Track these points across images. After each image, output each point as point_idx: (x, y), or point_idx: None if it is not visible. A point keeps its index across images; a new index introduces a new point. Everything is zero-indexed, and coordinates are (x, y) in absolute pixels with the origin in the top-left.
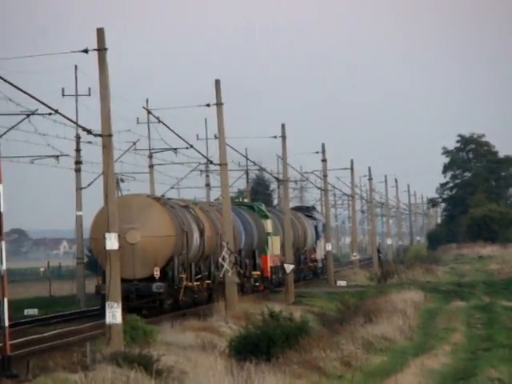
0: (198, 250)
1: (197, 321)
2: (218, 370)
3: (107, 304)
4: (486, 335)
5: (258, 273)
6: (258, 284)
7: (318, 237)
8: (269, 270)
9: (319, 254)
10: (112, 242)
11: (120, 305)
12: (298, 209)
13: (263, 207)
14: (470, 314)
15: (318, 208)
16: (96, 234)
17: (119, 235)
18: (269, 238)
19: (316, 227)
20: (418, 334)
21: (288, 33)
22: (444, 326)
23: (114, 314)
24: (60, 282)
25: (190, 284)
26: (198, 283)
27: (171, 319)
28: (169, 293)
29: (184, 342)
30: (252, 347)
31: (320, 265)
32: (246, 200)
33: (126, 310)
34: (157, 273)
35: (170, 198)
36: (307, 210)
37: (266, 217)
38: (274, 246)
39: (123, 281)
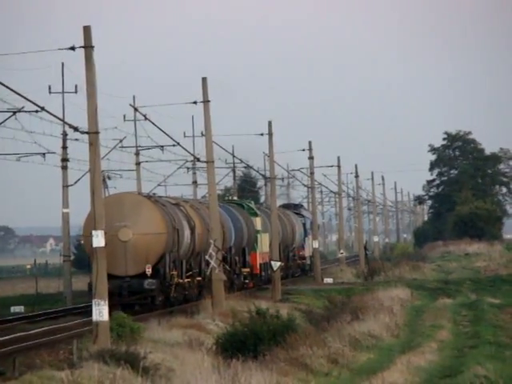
0: (189, 247)
1: (184, 318)
2: (204, 368)
3: (94, 301)
4: (472, 332)
5: (248, 270)
6: (247, 281)
7: (306, 234)
8: (258, 267)
9: (307, 251)
10: (99, 240)
11: (107, 302)
12: (286, 206)
13: (252, 205)
14: (456, 311)
15: (305, 205)
16: (88, 231)
17: (106, 233)
18: (258, 235)
19: (304, 225)
20: (404, 331)
21: (276, 30)
22: (431, 323)
23: (101, 311)
24: (47, 279)
25: (181, 281)
26: (189, 280)
27: (158, 317)
28: (160, 289)
29: (171, 339)
30: (239, 345)
31: (308, 262)
32: (235, 198)
33: (118, 306)
34: (148, 270)
35: (160, 196)
36: (295, 208)
37: (256, 214)
38: (264, 243)
39: (116, 277)
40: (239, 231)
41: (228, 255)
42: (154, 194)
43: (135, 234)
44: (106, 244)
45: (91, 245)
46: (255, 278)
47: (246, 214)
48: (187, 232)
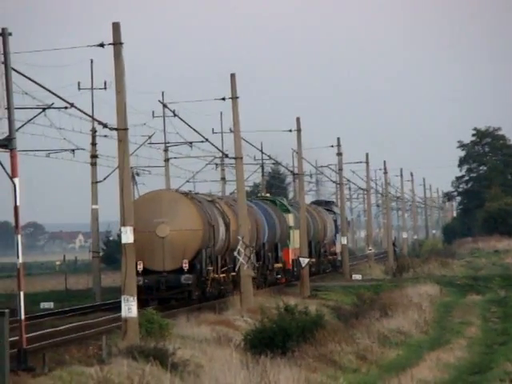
0: (224, 243)
1: (212, 314)
2: (233, 364)
3: (123, 298)
4: (501, 329)
5: (280, 265)
6: (279, 276)
7: (337, 231)
8: (290, 262)
9: (338, 248)
10: (127, 236)
11: (135, 298)
12: (318, 203)
13: (285, 201)
14: (485, 307)
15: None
16: None
17: (144, 229)
18: (291, 231)
19: (335, 221)
20: (433, 327)
21: (304, 26)
22: (459, 319)
23: (130, 307)
24: (76, 275)
25: (217, 276)
26: (224, 275)
27: (187, 313)
28: (196, 284)
29: (199, 335)
30: (267, 341)
31: (339, 258)
32: (267, 194)
33: (156, 300)
34: (185, 265)
35: (196, 193)
36: (327, 205)
37: (288, 211)
38: (296, 239)
39: (153, 272)
40: (272, 227)
41: (261, 251)
42: (190, 191)
43: (173, 230)
44: (144, 240)
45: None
46: (287, 273)
47: (278, 211)
48: (222, 228)
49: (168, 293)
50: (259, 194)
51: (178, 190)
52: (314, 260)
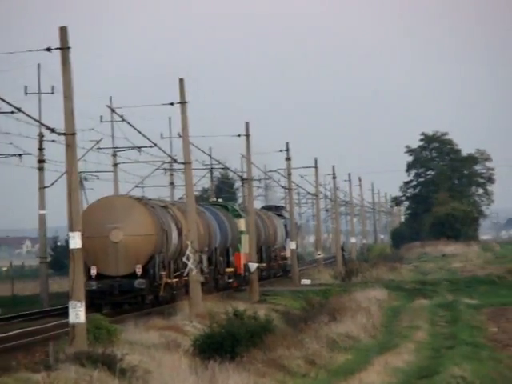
0: (177, 248)
1: (161, 320)
2: (182, 369)
3: (70, 303)
4: (449, 333)
5: (232, 270)
6: (231, 280)
7: (287, 235)
8: (242, 267)
9: (289, 252)
10: (75, 241)
11: (83, 304)
12: (268, 208)
13: (237, 207)
14: (433, 311)
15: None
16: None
17: (98, 235)
18: (242, 236)
19: (286, 226)
20: (381, 332)
21: (254, 31)
22: (408, 324)
23: (78, 313)
24: (23, 281)
25: (170, 280)
26: (177, 280)
27: (135, 318)
28: (150, 289)
29: (148, 341)
30: (216, 346)
31: (289, 262)
32: (219, 200)
33: (109, 305)
34: (139, 270)
35: (149, 199)
36: (277, 210)
37: (240, 216)
38: (247, 244)
39: (107, 277)
40: (224, 232)
41: (213, 255)
42: (143, 196)
43: (126, 235)
44: (98, 245)
45: (87, 246)
46: (239, 277)
47: (230, 216)
48: (175, 233)
49: (121, 297)
50: (211, 200)
51: (132, 195)
52: (264, 264)
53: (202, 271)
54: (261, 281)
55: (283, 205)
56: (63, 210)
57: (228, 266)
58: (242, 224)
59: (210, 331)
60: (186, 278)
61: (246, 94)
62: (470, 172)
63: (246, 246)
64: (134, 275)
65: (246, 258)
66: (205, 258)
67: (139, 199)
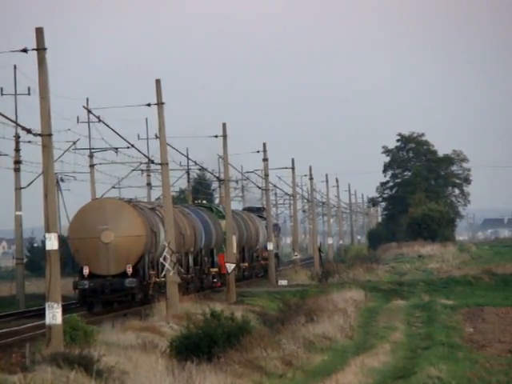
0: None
1: (138, 321)
2: (159, 370)
3: (47, 304)
4: (425, 334)
5: (216, 270)
6: (215, 280)
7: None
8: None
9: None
10: (52, 242)
11: (60, 305)
12: (250, 209)
13: (220, 208)
14: (409, 312)
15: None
16: (73, 234)
17: (89, 236)
18: (226, 237)
19: (267, 227)
20: (358, 332)
21: (231, 31)
22: (384, 324)
23: (54, 314)
24: None
25: (158, 280)
26: (165, 279)
27: (112, 319)
28: (140, 288)
29: (125, 342)
30: (193, 347)
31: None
32: (204, 201)
33: (100, 303)
34: (129, 269)
35: (138, 201)
36: (258, 211)
37: (224, 217)
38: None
39: (98, 277)
40: (208, 233)
41: (199, 256)
42: (131, 199)
43: (117, 236)
44: (89, 246)
45: (80, 247)
46: (223, 277)
47: (214, 217)
48: (163, 234)
49: (112, 296)
50: (196, 201)
51: (122, 198)
52: (247, 264)
53: (179, 272)
54: (243, 280)
55: (264, 206)
56: (40, 211)
57: (212, 266)
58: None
59: (187, 332)
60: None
61: (223, 94)
62: (446, 173)
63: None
64: (124, 274)
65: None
66: (191, 258)
67: (129, 201)
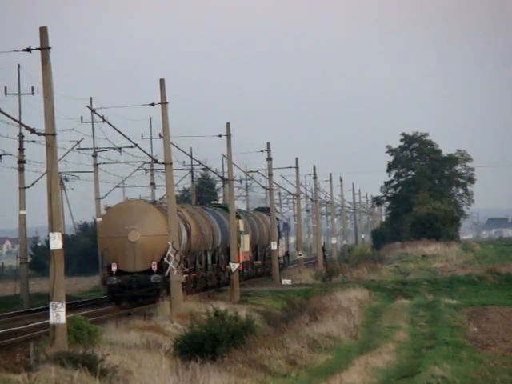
0: (186, 247)
1: (142, 320)
2: (162, 370)
3: (51, 304)
4: (429, 333)
5: None
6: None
7: (280, 235)
8: (241, 264)
9: (281, 251)
10: (56, 242)
11: (64, 304)
12: (261, 209)
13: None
14: (413, 312)
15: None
16: (102, 234)
17: (117, 235)
18: (241, 236)
19: (278, 227)
20: (362, 332)
21: (236, 31)
22: (388, 324)
23: (58, 313)
24: (2, 281)
25: None
26: (187, 275)
27: (116, 319)
28: (164, 283)
29: (129, 341)
30: (197, 346)
31: (282, 261)
32: (217, 202)
33: (127, 298)
34: (154, 266)
35: (161, 203)
36: (269, 211)
37: (239, 217)
38: (245, 243)
39: (126, 273)
40: (225, 232)
41: (216, 254)
42: (156, 200)
43: (143, 235)
44: (117, 244)
45: (109, 245)
46: (238, 274)
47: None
48: (184, 234)
49: (139, 291)
50: (213, 202)
51: (147, 200)
52: (260, 262)
53: (183, 271)
54: (256, 277)
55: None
56: (44, 211)
57: (228, 264)
58: (241, 225)
59: (191, 331)
60: (194, 274)
61: (227, 94)
62: (450, 172)
63: (244, 245)
64: (150, 271)
65: (245, 256)
66: (209, 256)
67: (153, 203)
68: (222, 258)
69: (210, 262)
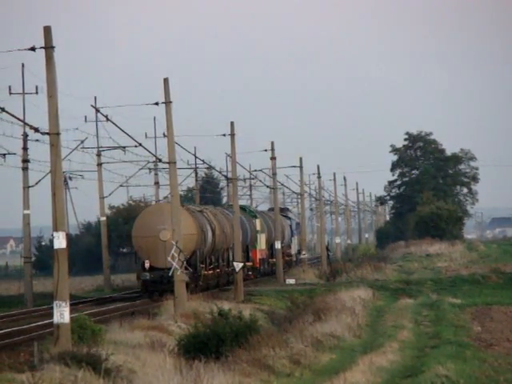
0: (211, 246)
1: (146, 320)
2: (166, 369)
3: (55, 303)
4: (433, 332)
5: (251, 263)
6: (250, 273)
7: (292, 234)
8: (258, 261)
9: (293, 250)
10: (60, 241)
11: (68, 304)
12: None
13: (253, 208)
14: (417, 311)
15: (267, 206)
16: (136, 233)
17: (150, 234)
18: (258, 234)
19: (291, 226)
20: (366, 331)
21: (237, 30)
22: (392, 323)
23: (62, 313)
24: (7, 281)
25: (206, 272)
26: (212, 272)
27: (120, 318)
28: (192, 279)
29: (133, 341)
30: (201, 346)
31: (294, 259)
32: (229, 203)
33: (159, 292)
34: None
35: (189, 205)
36: (282, 211)
37: (256, 217)
38: (262, 241)
39: (158, 269)
40: (244, 231)
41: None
42: (184, 203)
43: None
44: (150, 243)
45: (143, 244)
46: (255, 270)
47: (248, 217)
48: (210, 233)
49: (169, 286)
50: (230, 203)
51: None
52: (274, 260)
53: (188, 270)
54: (272, 274)
55: (288, 207)
56: (48, 210)
57: (247, 261)
58: (258, 224)
59: (195, 331)
60: (218, 271)
61: (231, 93)
62: (454, 171)
63: (261, 243)
64: None
65: (262, 253)
66: (231, 253)
67: (182, 205)
68: (242, 256)
69: (231, 258)
